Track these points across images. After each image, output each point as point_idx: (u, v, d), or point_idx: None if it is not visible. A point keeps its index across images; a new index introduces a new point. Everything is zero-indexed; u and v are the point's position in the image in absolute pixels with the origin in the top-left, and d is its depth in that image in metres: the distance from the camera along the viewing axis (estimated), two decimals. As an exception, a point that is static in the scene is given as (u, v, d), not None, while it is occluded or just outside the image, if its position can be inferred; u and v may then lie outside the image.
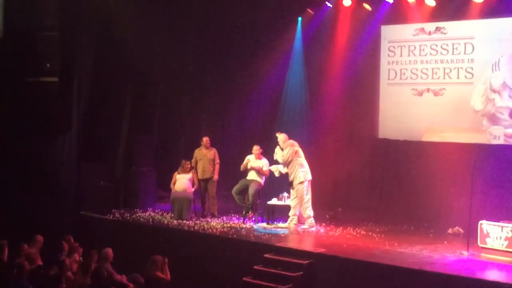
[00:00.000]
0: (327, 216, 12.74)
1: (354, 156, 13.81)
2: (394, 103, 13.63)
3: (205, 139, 13.04)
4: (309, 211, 11.69)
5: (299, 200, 11.67)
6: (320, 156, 13.62)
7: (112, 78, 13.56)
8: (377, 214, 12.99)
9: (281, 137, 11.81)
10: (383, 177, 13.68)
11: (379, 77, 13.76)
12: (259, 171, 12.21)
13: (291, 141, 11.78)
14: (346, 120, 14.12)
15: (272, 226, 11.93)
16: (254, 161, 12.40)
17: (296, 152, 11.63)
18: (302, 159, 11.70)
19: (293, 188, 11.70)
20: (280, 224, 11.98)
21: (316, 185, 12.23)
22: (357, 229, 11.88)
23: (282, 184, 12.42)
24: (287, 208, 12.01)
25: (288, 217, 11.96)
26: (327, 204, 13.38)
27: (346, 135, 14.16)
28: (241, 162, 12.57)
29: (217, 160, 12.96)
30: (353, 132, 14.08)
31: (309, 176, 11.70)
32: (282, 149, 11.75)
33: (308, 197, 11.68)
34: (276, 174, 11.98)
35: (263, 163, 12.37)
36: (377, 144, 13.76)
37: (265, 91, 14.83)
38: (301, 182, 11.56)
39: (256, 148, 12.42)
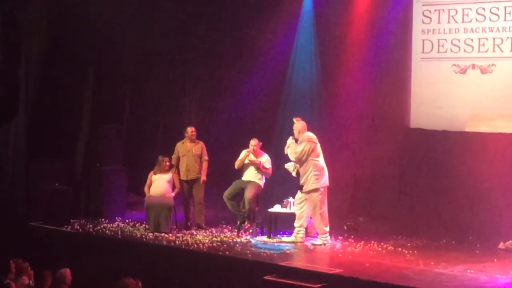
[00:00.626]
0: (345, 227, 12.87)
1: (379, 152, 13.79)
2: (430, 83, 13.60)
3: (190, 130, 13.11)
4: (324, 226, 11.80)
5: (312, 212, 11.77)
6: (337, 152, 13.62)
7: (70, 55, 13.69)
8: (408, 225, 13.07)
9: (297, 125, 11.79)
10: (416, 177, 13.64)
11: (411, 50, 13.74)
12: (259, 168, 12.33)
13: (310, 133, 11.77)
14: (369, 106, 14.10)
15: (275, 240, 12.00)
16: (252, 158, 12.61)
17: (314, 150, 11.65)
18: (320, 159, 11.76)
19: (302, 192, 11.80)
20: (285, 238, 12.03)
21: (331, 188, 12.27)
22: (383, 243, 11.95)
23: (286, 186, 12.61)
24: (293, 216, 12.09)
25: (294, 228, 12.02)
26: (345, 212, 13.53)
27: (369, 125, 14.15)
28: (235, 158, 12.66)
29: (205, 157, 13.04)
30: (378, 120, 14.07)
31: (326, 182, 11.80)
32: (296, 141, 11.78)
33: (323, 208, 11.76)
34: (294, 174, 11.99)
35: (264, 160, 12.50)
36: (409, 136, 13.73)
37: (266, 68, 14.78)
38: (315, 190, 11.67)
39: (254, 143, 12.52)
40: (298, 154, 11.59)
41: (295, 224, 11.88)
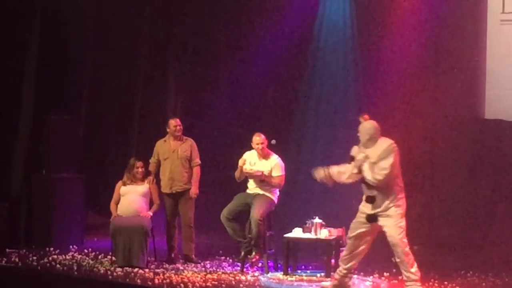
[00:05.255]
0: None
1: (441, 152, 13.38)
2: (512, 55, 13.06)
3: (174, 123, 12.33)
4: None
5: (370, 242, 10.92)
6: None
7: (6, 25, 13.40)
8: (483, 255, 12.56)
9: (367, 127, 10.44)
10: (494, 188, 13.08)
11: (485, 7, 13.14)
12: (265, 180, 11.67)
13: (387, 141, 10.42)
14: (426, 90, 13.51)
15: (294, 277, 11.32)
16: (256, 161, 11.80)
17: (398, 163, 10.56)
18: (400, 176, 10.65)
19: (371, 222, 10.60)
20: (305, 275, 11.41)
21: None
22: (446, 283, 11.10)
23: (310, 201, 12.50)
24: (320, 244, 11.63)
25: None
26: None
27: (427, 117, 13.58)
28: (237, 162, 11.91)
29: (197, 160, 12.30)
30: (440, 109, 13.49)
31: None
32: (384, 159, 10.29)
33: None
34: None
35: (271, 165, 11.74)
36: (483, 131, 13.21)
37: (279, 41, 14.25)
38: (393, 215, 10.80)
39: (258, 140, 11.79)
40: (387, 171, 10.20)
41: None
